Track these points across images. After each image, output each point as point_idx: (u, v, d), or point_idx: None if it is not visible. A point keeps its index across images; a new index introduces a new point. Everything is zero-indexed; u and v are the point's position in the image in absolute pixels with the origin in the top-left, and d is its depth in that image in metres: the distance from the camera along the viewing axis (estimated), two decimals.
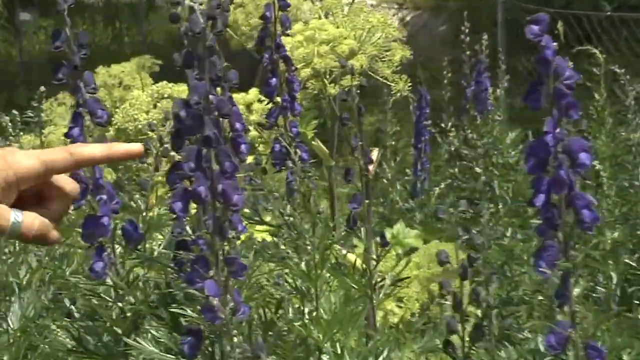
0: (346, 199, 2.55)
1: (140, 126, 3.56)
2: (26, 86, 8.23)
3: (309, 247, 1.56)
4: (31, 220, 0.98)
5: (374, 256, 1.92)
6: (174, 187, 1.48)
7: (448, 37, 7.55)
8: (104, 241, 1.48)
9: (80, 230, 2.90)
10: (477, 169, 3.28)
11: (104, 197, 1.43)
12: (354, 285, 1.83)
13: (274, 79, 1.95)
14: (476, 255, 1.25)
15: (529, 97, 1.11)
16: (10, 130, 2.34)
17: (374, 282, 1.88)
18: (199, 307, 1.30)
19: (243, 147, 1.53)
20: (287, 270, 1.47)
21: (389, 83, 2.16)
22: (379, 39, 2.12)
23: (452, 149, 4.32)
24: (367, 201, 1.97)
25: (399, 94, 2.26)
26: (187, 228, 1.53)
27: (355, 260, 2.04)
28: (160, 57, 4.79)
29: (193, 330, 1.28)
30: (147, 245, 1.63)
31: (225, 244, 1.32)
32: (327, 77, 2.12)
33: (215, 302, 1.21)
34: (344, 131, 1.87)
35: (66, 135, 1.40)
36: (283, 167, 2.06)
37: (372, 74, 2.18)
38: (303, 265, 1.61)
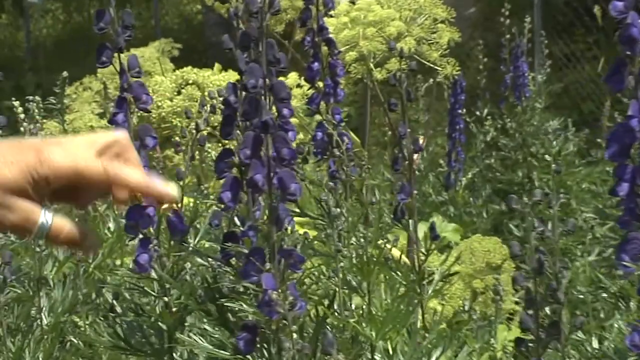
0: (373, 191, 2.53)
1: (164, 114, 3.57)
2: (34, 72, 8.27)
3: (362, 240, 1.55)
4: (61, 224, 0.96)
5: (423, 250, 1.91)
6: (223, 176, 1.48)
7: (478, 20, 7.50)
8: (148, 232, 1.48)
9: (105, 221, 2.88)
10: (548, 157, 3.25)
11: None
12: (402, 281, 1.83)
13: (316, 63, 1.94)
14: (549, 248, 1.24)
15: (611, 79, 1.10)
16: (37, 116, 2.35)
17: (423, 277, 1.87)
18: (252, 301, 1.30)
19: (291, 134, 1.52)
20: (342, 264, 1.46)
21: (436, 67, 2.14)
22: (425, 19, 2.10)
23: (488, 138, 4.30)
24: (415, 192, 1.96)
25: (443, 79, 2.24)
26: (236, 220, 1.53)
27: (401, 254, 2.03)
28: (174, 41, 4.79)
29: (249, 325, 1.28)
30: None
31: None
32: (372, 60, 2.11)
33: (274, 295, 1.20)
34: (392, 117, 1.85)
35: (110, 121, 1.40)
36: (325, 156, 2.06)
37: (417, 57, 2.17)
38: (354, 259, 1.60)
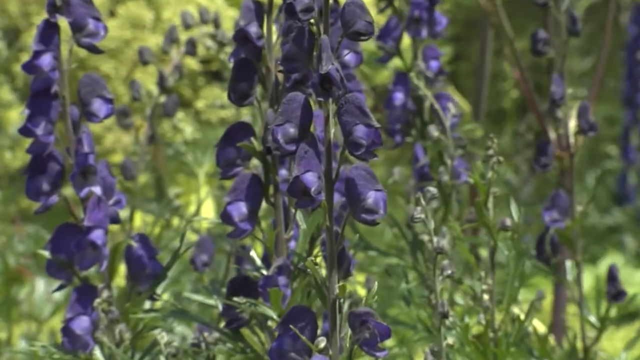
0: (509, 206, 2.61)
1: (81, 54, 3.63)
2: None
3: (486, 299, 1.60)
4: None
5: (592, 319, 1.96)
6: (231, 173, 1.53)
7: None
8: (90, 276, 1.54)
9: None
10: None
11: (97, 189, 1.48)
12: None
13: None
14: None
15: None
16: None
17: None
18: None
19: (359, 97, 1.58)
20: (448, 341, 1.51)
21: None
22: None
23: None
24: (579, 209, 2.01)
25: None
26: (253, 254, 1.59)
27: (549, 328, 2.09)
28: None
29: None
30: None
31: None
32: None
33: None
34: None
35: (26, 66, 1.46)
36: (409, 138, 2.11)
37: None
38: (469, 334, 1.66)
